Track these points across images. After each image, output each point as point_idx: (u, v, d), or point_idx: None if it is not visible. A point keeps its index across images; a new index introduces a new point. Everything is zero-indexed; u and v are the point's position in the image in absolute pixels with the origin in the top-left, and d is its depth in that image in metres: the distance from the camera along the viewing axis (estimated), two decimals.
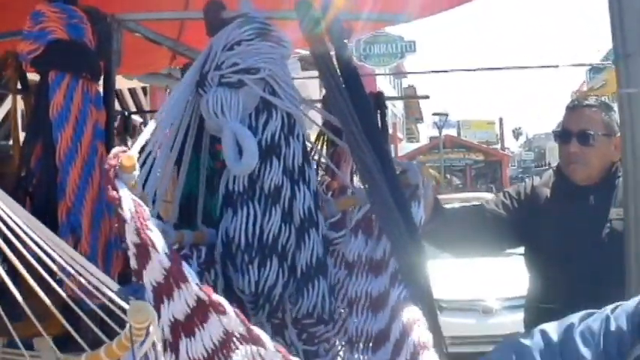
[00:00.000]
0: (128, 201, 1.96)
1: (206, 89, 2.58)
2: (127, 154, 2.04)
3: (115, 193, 1.98)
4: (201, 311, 1.88)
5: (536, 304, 4.02)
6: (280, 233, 2.58)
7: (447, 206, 4.08)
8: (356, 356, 2.70)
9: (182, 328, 1.94)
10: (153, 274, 1.92)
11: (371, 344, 2.65)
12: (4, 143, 7.48)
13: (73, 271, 2.00)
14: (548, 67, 25.61)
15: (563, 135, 3.94)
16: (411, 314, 2.36)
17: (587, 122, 3.88)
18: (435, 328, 2.43)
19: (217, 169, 3.08)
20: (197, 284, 1.88)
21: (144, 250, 1.91)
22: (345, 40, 2.77)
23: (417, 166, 2.82)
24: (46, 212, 2.86)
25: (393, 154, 5.94)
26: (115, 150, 2.08)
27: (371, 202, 2.64)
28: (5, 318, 2.17)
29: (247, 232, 2.54)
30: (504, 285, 10.48)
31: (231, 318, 1.87)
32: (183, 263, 1.92)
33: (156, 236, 1.92)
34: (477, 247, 4.12)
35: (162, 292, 1.92)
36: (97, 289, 1.97)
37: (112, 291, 1.91)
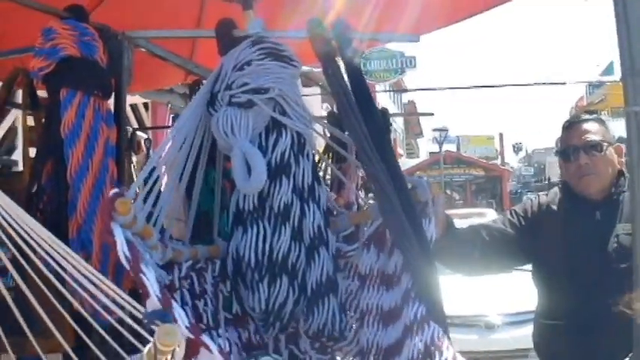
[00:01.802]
0: (123, 245, 2.02)
1: (216, 108, 2.60)
2: (121, 200, 2.10)
3: (110, 237, 2.05)
4: (191, 349, 1.90)
5: (544, 320, 4.04)
6: (290, 252, 2.59)
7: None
8: None
9: None
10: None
11: (381, 357, 2.68)
12: (7, 158, 7.49)
13: (95, 290, 2.00)
14: (555, 84, 25.66)
15: (567, 152, 3.97)
16: (435, 337, 2.39)
17: (589, 134, 3.93)
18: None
19: (227, 187, 3.10)
20: (187, 326, 1.90)
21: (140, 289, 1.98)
22: (356, 58, 2.79)
23: (426, 182, 2.84)
24: (57, 229, 2.85)
25: None
26: (111, 193, 2.13)
27: (384, 217, 2.66)
28: (29, 333, 2.17)
29: (257, 250, 2.55)
30: (507, 300, 10.46)
31: (218, 359, 1.90)
32: (174, 304, 1.95)
33: (147, 280, 1.97)
34: (484, 266, 4.12)
35: None
36: (122, 307, 1.97)
37: (141, 313, 1.92)
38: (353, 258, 2.85)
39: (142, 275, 1.98)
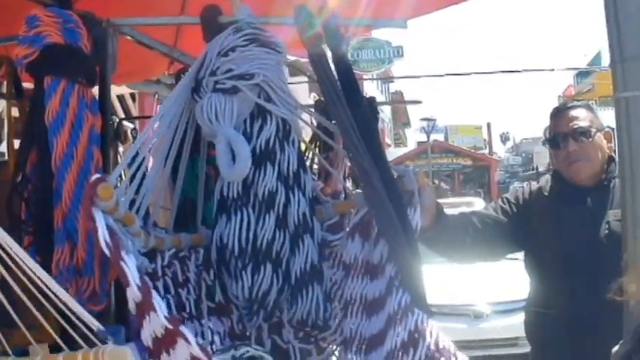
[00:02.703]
0: (103, 232, 2.03)
1: (201, 95, 2.58)
2: (103, 185, 2.10)
3: (91, 222, 2.06)
4: (168, 338, 1.92)
5: (536, 308, 4.06)
6: (274, 239, 2.57)
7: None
8: (349, 357, 2.74)
9: (150, 353, 2.00)
10: (129, 302, 2.00)
11: (364, 347, 2.68)
12: None
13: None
14: (542, 70, 25.85)
15: (556, 139, 3.99)
16: (419, 324, 2.38)
17: (577, 120, 3.97)
18: None
19: (211, 174, 3.10)
20: (165, 316, 1.92)
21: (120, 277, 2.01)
22: (343, 45, 2.78)
23: (412, 172, 2.82)
24: (42, 218, 2.85)
25: None
26: (93, 178, 2.13)
27: (369, 206, 2.65)
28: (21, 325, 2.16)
29: (241, 238, 2.54)
30: (495, 289, 10.53)
31: (195, 350, 1.90)
32: (153, 294, 1.97)
33: (127, 268, 1.99)
34: (477, 253, 4.14)
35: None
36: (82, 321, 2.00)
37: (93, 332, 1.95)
38: (337, 247, 2.84)
39: (122, 263, 1.99)
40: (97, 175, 2.17)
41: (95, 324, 2.01)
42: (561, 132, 3.97)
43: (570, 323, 3.76)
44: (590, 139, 3.90)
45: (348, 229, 2.85)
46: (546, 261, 3.97)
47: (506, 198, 4.19)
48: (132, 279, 1.96)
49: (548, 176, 4.19)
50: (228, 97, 2.55)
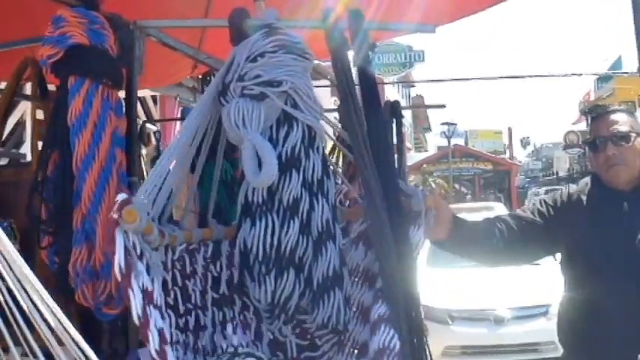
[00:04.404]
0: (120, 256, 2.16)
1: (227, 99, 2.58)
2: (129, 209, 2.19)
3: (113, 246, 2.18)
4: None
5: (571, 309, 4.05)
6: (298, 245, 2.59)
7: (461, 215, 4.08)
8: (341, 358, 2.81)
9: None
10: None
11: (356, 352, 2.77)
12: (15, 151, 7.50)
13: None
14: (569, 75, 25.55)
15: (595, 143, 3.99)
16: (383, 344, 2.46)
17: (617, 125, 3.95)
18: (417, 348, 2.56)
19: (237, 177, 3.10)
20: (156, 349, 2.14)
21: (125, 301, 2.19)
22: (370, 50, 2.78)
23: (421, 193, 2.88)
24: (61, 219, 2.85)
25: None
26: (120, 200, 2.20)
27: (367, 218, 2.73)
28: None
29: (265, 243, 2.55)
30: (516, 294, 10.48)
31: None
32: (150, 326, 2.15)
33: (134, 298, 2.13)
34: (512, 256, 4.13)
35: None
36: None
37: None
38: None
39: (130, 291, 2.13)
40: (123, 197, 2.23)
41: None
42: (601, 135, 3.96)
43: (605, 325, 3.75)
44: (630, 144, 3.90)
45: (353, 236, 2.92)
46: (582, 264, 3.96)
47: (544, 200, 4.19)
48: (134, 307, 2.12)
49: (587, 179, 4.18)
50: (255, 103, 2.56)
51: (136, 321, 2.09)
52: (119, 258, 2.13)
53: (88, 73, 2.87)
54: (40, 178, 2.95)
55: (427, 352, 2.68)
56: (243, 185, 2.62)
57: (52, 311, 1.99)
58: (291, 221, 2.58)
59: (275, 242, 2.55)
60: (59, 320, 1.99)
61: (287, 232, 2.57)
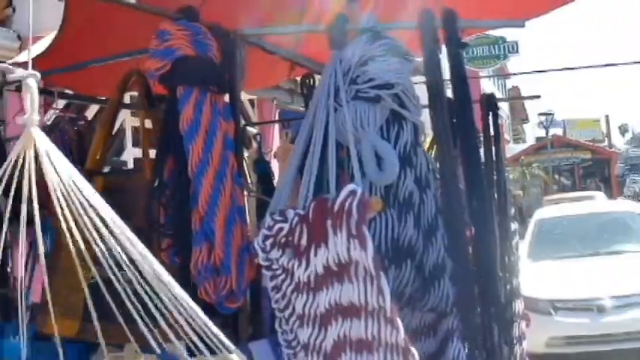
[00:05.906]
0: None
1: (340, 102, 2.71)
2: (376, 199, 2.49)
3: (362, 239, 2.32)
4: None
5: None
6: (412, 238, 2.73)
7: (558, 205, 4.10)
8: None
9: None
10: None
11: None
12: (117, 159, 7.68)
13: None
14: None
15: None
16: None
17: None
18: None
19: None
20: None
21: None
22: (463, 48, 2.85)
23: None
24: (180, 221, 2.97)
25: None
26: (358, 195, 2.35)
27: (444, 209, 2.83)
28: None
29: (387, 237, 2.69)
30: (618, 283, 10.33)
31: None
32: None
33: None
34: None
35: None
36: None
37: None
38: None
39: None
40: (352, 187, 2.40)
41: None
42: None
43: None
44: None
45: None
46: None
47: None
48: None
49: None
50: (371, 105, 2.70)
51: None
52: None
53: (196, 82, 2.96)
54: (157, 184, 3.08)
55: None
56: (361, 184, 2.70)
57: (188, 306, 2.03)
58: (407, 215, 2.72)
59: (394, 236, 2.70)
60: (197, 314, 2.04)
61: (405, 226, 2.72)
